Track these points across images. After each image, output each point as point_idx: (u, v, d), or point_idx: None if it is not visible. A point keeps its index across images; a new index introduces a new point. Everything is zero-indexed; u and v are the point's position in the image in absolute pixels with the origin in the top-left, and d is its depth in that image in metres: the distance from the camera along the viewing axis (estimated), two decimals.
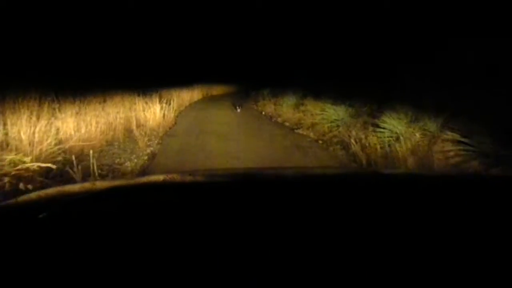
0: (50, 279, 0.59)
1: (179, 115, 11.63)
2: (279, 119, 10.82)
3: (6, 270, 0.61)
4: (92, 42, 12.83)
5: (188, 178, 1.14)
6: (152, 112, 8.35)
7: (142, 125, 7.90)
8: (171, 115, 9.57)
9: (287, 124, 9.98)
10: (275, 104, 12.36)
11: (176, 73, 19.70)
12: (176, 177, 1.11)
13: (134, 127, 7.29)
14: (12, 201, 0.87)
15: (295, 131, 8.73)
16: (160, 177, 1.10)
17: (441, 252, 0.66)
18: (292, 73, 14.67)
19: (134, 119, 7.87)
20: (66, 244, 0.68)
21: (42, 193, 0.92)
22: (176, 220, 0.78)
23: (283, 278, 0.58)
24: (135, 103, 8.94)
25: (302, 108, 9.92)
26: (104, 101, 8.17)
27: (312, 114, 9.01)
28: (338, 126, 7.67)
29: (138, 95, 10.34)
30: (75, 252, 0.65)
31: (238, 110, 12.87)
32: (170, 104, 10.14)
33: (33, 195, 0.92)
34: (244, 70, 25.97)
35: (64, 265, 0.62)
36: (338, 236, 0.71)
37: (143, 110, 8.37)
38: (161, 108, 9.16)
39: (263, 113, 12.90)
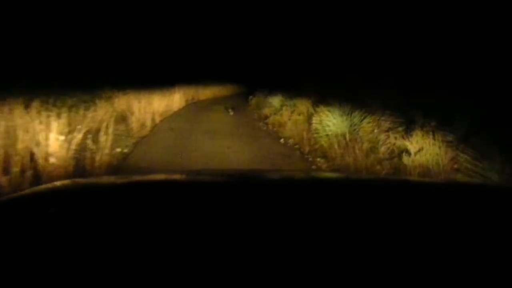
0: (59, 273, 0.56)
1: (131, 155, 5.66)
2: (326, 165, 5.66)
3: (16, 263, 0.59)
4: None
5: (196, 177, 1.22)
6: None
7: None
8: (103, 163, 4.20)
9: None
10: (307, 130, 7.14)
11: (149, 69, 14.29)
12: (187, 176, 1.24)
13: None
14: (21, 193, 0.88)
15: None
16: (161, 176, 1.26)
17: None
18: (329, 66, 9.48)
19: None
20: (77, 239, 0.66)
21: (52, 185, 0.95)
22: (182, 218, 0.78)
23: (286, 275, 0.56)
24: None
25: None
26: None
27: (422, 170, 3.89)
28: None
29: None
30: (84, 248, 0.63)
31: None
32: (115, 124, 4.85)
33: (43, 187, 0.95)
34: (243, 64, 20.68)
35: (74, 262, 0.59)
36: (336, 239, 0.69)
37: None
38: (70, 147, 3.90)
39: (282, 140, 7.73)
